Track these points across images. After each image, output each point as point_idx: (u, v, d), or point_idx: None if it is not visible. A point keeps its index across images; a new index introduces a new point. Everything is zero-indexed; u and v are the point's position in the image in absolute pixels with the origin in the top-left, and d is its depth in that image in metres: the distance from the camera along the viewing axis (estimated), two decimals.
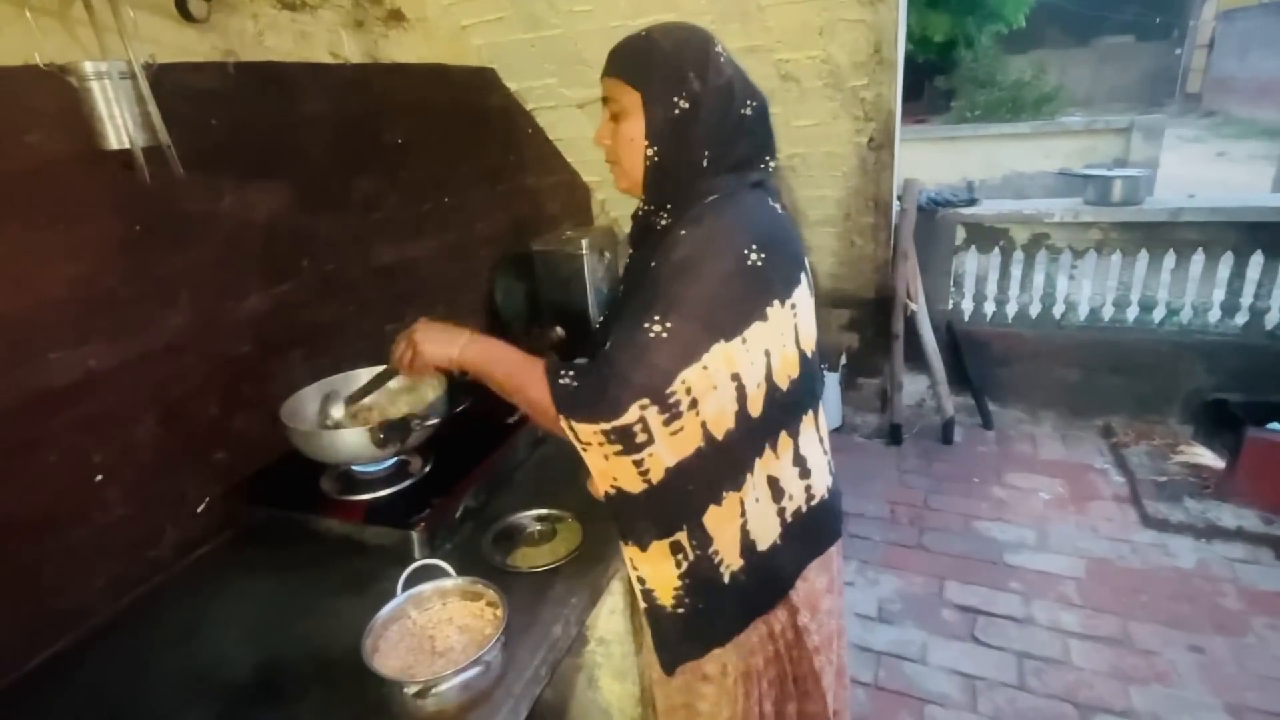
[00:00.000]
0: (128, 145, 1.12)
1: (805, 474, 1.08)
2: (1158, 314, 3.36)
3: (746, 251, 0.91)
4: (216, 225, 1.36)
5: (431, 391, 1.43)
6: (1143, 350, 3.32)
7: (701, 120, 0.95)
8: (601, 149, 1.05)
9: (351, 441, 1.28)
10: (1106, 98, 16.14)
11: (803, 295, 1.01)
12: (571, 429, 0.92)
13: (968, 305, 3.63)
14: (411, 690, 0.91)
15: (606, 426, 0.89)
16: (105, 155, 1.12)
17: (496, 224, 2.26)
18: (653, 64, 0.95)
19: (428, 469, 1.40)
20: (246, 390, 1.43)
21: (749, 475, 1.00)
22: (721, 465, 0.96)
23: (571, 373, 0.95)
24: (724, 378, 0.92)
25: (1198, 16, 17.04)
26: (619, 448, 0.91)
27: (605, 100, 1.01)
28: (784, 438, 1.03)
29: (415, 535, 1.23)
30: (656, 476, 0.93)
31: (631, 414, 0.88)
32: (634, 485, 0.95)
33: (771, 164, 1.05)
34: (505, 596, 1.04)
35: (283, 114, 1.50)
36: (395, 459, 1.40)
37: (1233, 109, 14.74)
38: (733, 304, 0.91)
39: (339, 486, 1.36)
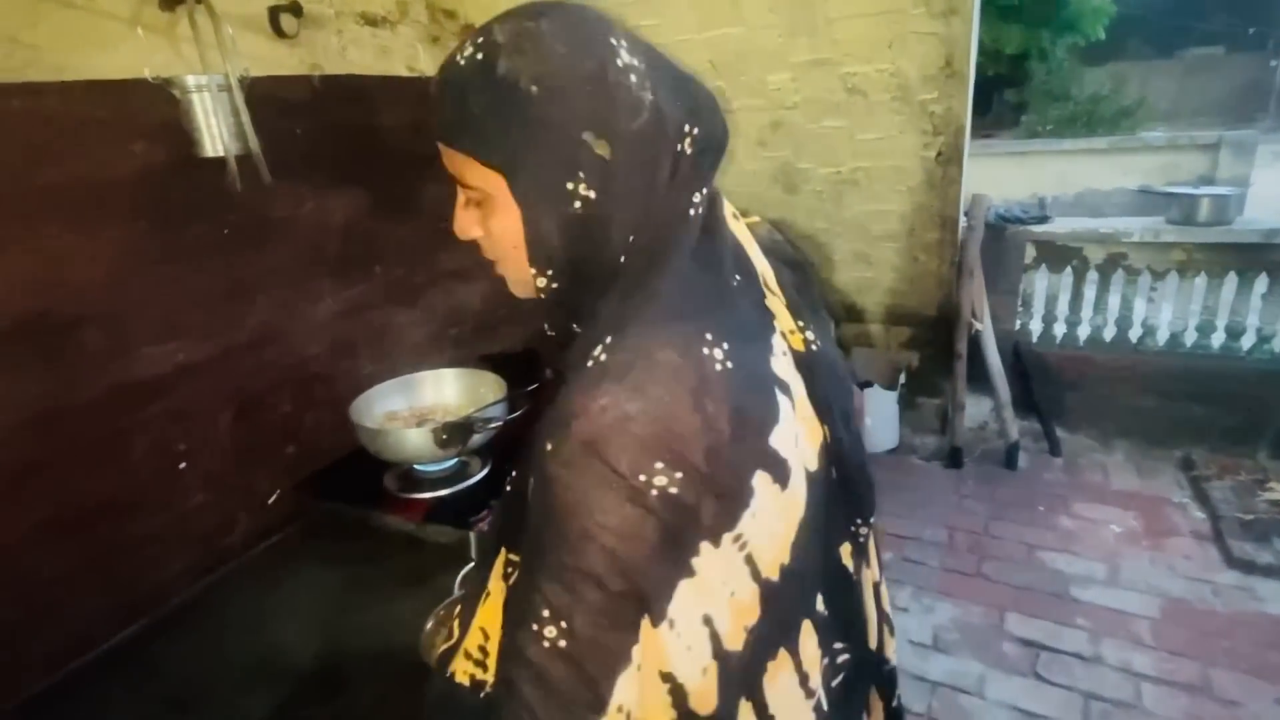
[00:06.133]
0: (222, 153, 1.19)
1: None
2: (1247, 341, 3.16)
3: (645, 478, 0.50)
4: (297, 230, 1.43)
5: (492, 394, 1.46)
6: (1229, 379, 3.12)
7: (617, 202, 0.56)
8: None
9: (415, 441, 1.32)
10: (1192, 112, 15.31)
11: (782, 440, 0.57)
12: None
13: (1036, 326, 3.49)
14: None
15: None
16: (201, 163, 1.19)
17: None
18: (521, 130, 0.54)
19: (486, 471, 1.43)
20: (318, 388, 1.50)
21: None
22: None
23: None
24: (653, 675, 0.55)
25: None
26: None
27: (452, 178, 0.62)
28: (744, 706, 0.61)
29: (473, 536, 1.25)
30: None
31: None
32: None
33: (701, 204, 0.60)
34: None
35: (362, 124, 1.57)
36: (456, 460, 1.43)
37: None
38: (645, 569, 0.52)
39: (401, 484, 1.40)
